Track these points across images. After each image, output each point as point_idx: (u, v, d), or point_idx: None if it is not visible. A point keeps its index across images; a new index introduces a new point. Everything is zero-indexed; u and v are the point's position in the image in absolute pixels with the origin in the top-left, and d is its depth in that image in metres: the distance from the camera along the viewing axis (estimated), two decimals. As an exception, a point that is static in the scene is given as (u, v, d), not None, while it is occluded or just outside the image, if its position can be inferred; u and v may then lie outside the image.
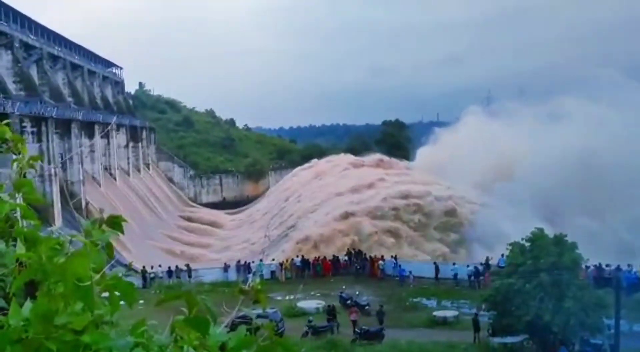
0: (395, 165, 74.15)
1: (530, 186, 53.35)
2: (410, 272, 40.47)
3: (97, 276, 1.69)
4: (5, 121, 2.32)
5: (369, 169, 71.61)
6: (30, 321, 1.55)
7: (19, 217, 1.99)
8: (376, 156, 77.35)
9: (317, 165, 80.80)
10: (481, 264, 39.98)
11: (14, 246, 1.85)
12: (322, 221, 55.72)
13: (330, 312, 31.00)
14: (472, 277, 39.26)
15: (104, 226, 2.02)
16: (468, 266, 40.99)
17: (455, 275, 39.92)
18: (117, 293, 1.77)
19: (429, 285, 39.59)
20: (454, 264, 42.21)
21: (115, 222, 2.08)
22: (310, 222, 57.43)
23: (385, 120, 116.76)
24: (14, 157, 2.32)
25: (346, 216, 54.95)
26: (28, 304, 1.61)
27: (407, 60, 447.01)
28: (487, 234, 46.87)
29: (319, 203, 62.27)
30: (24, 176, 2.33)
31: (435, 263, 42.64)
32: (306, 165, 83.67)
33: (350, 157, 79.48)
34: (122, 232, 2.12)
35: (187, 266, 45.44)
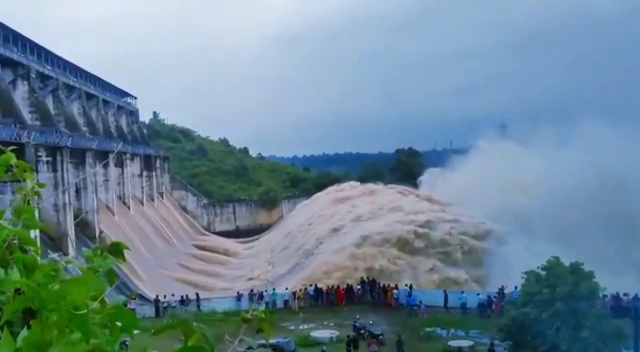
0: (408, 193, 73.86)
1: (547, 213, 53.00)
2: (420, 301, 40.07)
3: (94, 304, 1.65)
4: (10, 147, 2.31)
5: (383, 196, 71.44)
6: (22, 351, 1.51)
7: (17, 244, 1.95)
8: (389, 185, 77.29)
9: (330, 193, 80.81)
10: (497, 293, 39.66)
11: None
12: (336, 249, 55.50)
13: (352, 342, 30.57)
14: (484, 306, 38.97)
15: (105, 253, 2.00)
16: (478, 295, 40.72)
17: (464, 304, 39.59)
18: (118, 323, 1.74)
19: (442, 314, 39.17)
20: (462, 292, 41.90)
21: (117, 250, 2.04)
22: (324, 251, 57.24)
23: (399, 149, 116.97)
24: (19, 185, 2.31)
25: (360, 244, 54.70)
26: (24, 333, 1.57)
27: (421, 89, 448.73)
28: (503, 262, 46.46)
29: (332, 231, 62.12)
30: (28, 203, 2.30)
31: (444, 291, 42.30)
32: (319, 193, 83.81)
33: (363, 185, 79.41)
34: (124, 260, 2.08)
35: (197, 295, 45.29)
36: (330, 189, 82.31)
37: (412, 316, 38.87)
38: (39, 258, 1.81)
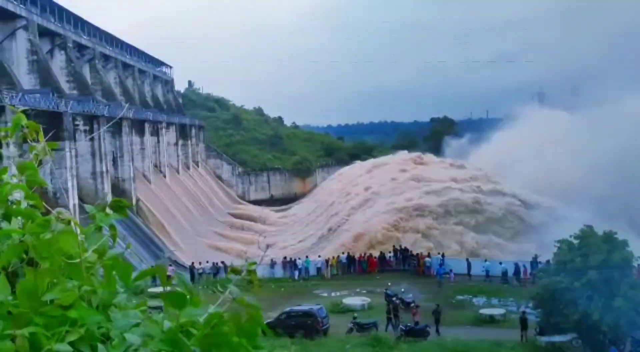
0: (442, 163, 73.36)
1: (588, 182, 52.50)
2: (450, 270, 40.05)
3: (86, 254, 1.72)
4: (21, 108, 2.36)
5: (417, 166, 71.09)
6: (17, 296, 1.58)
7: (21, 199, 2.03)
8: (424, 154, 76.79)
9: (365, 164, 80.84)
10: (525, 262, 39.64)
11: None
12: (369, 217, 55.61)
13: (393, 311, 30.58)
14: (505, 275, 39.02)
15: (107, 210, 2.06)
16: (501, 263, 40.78)
17: (487, 272, 39.63)
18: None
19: (474, 283, 39.14)
20: (485, 261, 41.82)
21: (120, 207, 2.10)
22: (357, 220, 57.38)
23: (434, 118, 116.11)
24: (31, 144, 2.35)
25: (394, 213, 54.72)
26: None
27: (457, 58, 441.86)
28: (544, 232, 46.16)
29: (367, 200, 62.17)
30: (40, 163, 2.36)
31: (467, 260, 42.21)
32: (355, 163, 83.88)
33: (399, 156, 78.97)
34: (127, 216, 2.14)
35: (223, 263, 45.28)
36: (374, 161, 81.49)
37: (443, 284, 38.87)
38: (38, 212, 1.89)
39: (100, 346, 1.50)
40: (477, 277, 40.11)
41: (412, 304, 32.61)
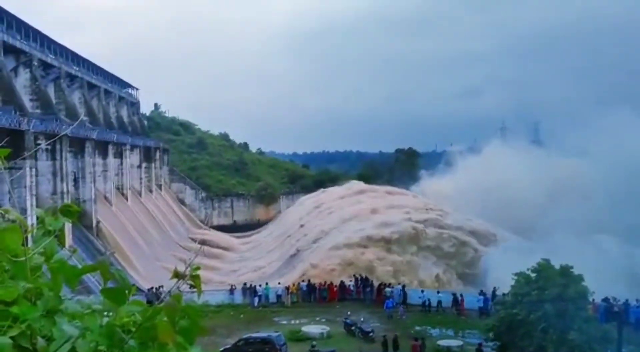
0: (404, 193, 73.98)
1: (545, 215, 53.44)
2: (399, 303, 39.59)
3: (32, 254, 1.77)
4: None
5: (378, 196, 71.52)
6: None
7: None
8: (385, 185, 77.46)
9: (327, 192, 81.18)
10: (459, 294, 40.14)
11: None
12: (330, 246, 55.60)
13: (393, 343, 30.08)
14: (440, 305, 39.32)
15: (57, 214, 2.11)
16: (438, 292, 41.21)
17: (424, 302, 39.74)
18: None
19: (431, 314, 39.14)
20: (422, 291, 41.96)
21: (69, 211, 2.15)
22: (319, 248, 57.34)
23: (399, 148, 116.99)
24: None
25: (354, 242, 54.83)
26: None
27: (424, 91, 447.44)
28: (496, 264, 46.69)
29: (327, 229, 62.21)
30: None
31: (403, 288, 42.24)
32: (317, 192, 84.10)
33: (360, 185, 79.68)
34: (77, 221, 2.19)
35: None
36: (332, 189, 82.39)
37: (393, 315, 38.27)
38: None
39: (40, 339, 1.55)
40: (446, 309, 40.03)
41: (371, 334, 32.59)
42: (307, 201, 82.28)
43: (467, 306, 39.31)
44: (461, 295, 40.08)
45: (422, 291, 41.94)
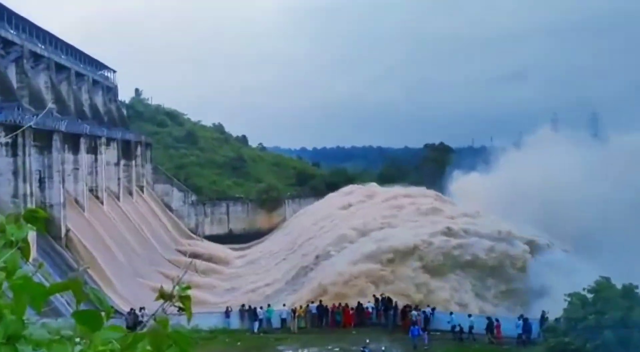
0: (435, 197, 73.82)
1: (603, 225, 53.18)
2: (423, 329, 39.65)
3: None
4: None
5: (403, 200, 71.41)
6: None
7: None
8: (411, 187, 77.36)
9: (345, 194, 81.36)
10: (493, 318, 40.04)
11: None
12: (346, 261, 55.52)
13: None
14: (486, 332, 39.22)
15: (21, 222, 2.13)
16: (469, 316, 41.00)
17: (454, 327, 39.80)
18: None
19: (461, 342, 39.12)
20: (450, 314, 41.91)
21: (34, 217, 2.17)
22: (332, 263, 57.28)
23: (428, 144, 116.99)
24: None
25: (375, 256, 54.71)
26: None
27: (458, 75, 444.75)
28: (542, 283, 46.60)
29: (343, 240, 62.12)
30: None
31: (450, 313, 42.29)
32: (332, 194, 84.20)
33: (383, 188, 79.79)
34: (43, 229, 2.21)
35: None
36: (346, 189, 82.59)
37: (418, 344, 38.26)
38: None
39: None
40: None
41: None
42: (319, 205, 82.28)
43: (504, 333, 39.24)
44: (496, 319, 39.93)
45: (451, 314, 41.87)
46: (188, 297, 1.84)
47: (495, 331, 39.05)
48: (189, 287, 1.86)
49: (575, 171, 65.72)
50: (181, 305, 1.90)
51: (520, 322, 38.69)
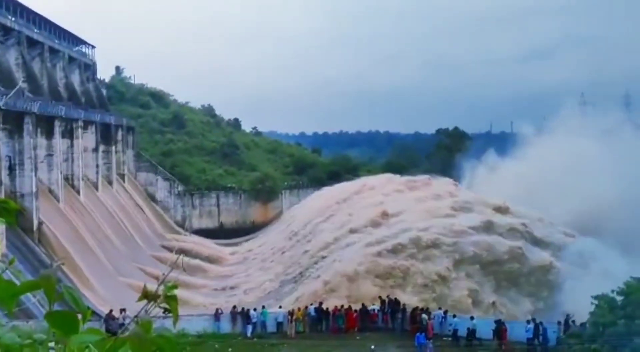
0: (450, 187, 73.76)
1: (627, 220, 53.22)
2: (428, 338, 39.71)
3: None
4: None
5: (414, 192, 71.36)
6: None
7: None
8: (424, 177, 77.19)
9: (347, 186, 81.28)
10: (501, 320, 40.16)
11: None
12: (349, 258, 55.55)
13: None
14: (494, 337, 39.36)
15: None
16: (472, 319, 41.11)
17: (455, 331, 40.11)
18: None
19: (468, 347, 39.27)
20: (454, 316, 41.98)
21: (5, 209, 2.18)
22: (334, 260, 57.32)
23: (441, 129, 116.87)
24: None
25: (382, 252, 54.71)
26: None
27: (474, 53, 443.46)
28: (565, 283, 46.72)
29: (347, 234, 62.14)
30: None
31: (453, 316, 42.44)
32: (330, 187, 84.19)
33: (390, 177, 79.60)
34: (13, 222, 2.21)
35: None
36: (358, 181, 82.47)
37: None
38: None
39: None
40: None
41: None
42: (320, 197, 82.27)
43: (512, 338, 39.31)
44: (503, 323, 39.99)
45: (454, 317, 41.98)
46: (174, 298, 1.85)
47: (502, 336, 39.12)
48: (175, 287, 1.87)
49: (604, 160, 65.70)
50: (167, 306, 1.90)
51: (531, 326, 38.74)
